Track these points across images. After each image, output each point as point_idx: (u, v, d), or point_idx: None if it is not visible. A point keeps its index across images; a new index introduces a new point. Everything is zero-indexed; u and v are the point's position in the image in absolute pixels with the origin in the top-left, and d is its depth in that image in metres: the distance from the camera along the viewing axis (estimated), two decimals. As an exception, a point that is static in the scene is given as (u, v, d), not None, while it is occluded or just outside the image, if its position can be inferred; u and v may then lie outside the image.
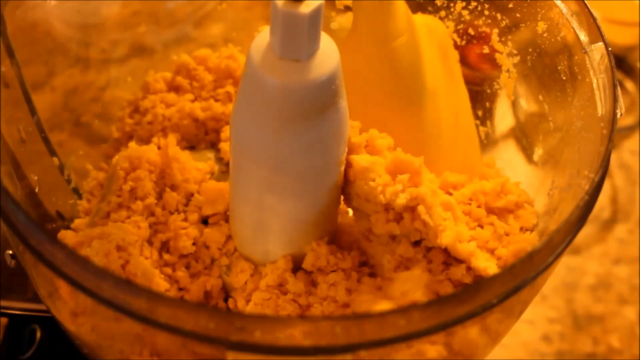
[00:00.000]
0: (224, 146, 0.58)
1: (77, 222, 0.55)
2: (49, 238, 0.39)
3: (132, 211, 0.53)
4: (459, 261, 0.48)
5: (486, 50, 0.57)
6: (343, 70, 0.44)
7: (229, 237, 0.53)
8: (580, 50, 0.49)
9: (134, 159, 0.54)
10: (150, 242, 0.53)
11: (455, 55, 0.57)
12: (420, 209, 0.46)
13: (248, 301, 0.50)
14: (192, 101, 0.61)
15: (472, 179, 0.54)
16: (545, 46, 0.53)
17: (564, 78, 0.51)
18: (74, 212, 0.57)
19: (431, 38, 0.54)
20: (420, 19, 0.55)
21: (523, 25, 0.54)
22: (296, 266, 0.50)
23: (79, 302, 0.43)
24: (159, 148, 0.56)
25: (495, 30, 0.56)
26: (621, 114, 0.46)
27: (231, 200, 0.52)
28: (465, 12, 0.57)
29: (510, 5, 0.55)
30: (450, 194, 0.52)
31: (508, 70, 0.56)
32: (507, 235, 0.51)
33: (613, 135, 0.44)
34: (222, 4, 0.66)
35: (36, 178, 0.53)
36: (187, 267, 0.53)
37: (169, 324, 0.37)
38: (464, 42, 0.59)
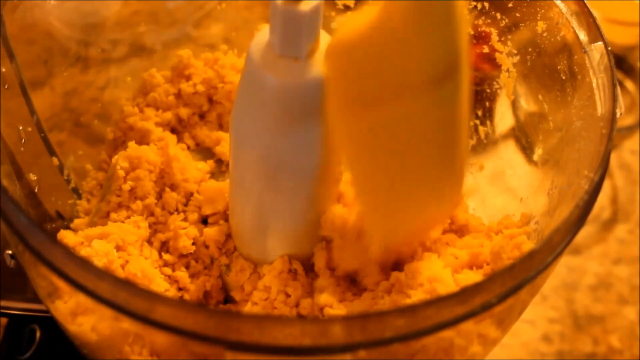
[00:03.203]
0: (224, 145, 0.58)
1: (76, 222, 0.55)
2: (48, 238, 0.39)
3: (131, 211, 0.53)
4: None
5: (486, 49, 0.57)
6: None
7: (229, 237, 0.53)
8: (580, 50, 0.49)
9: (134, 158, 0.54)
10: (150, 242, 0.53)
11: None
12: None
13: (247, 301, 0.50)
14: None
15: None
16: (545, 46, 0.53)
17: (564, 78, 0.51)
18: (74, 212, 0.57)
19: None
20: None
21: (523, 24, 0.54)
22: (295, 266, 0.50)
23: (78, 302, 0.43)
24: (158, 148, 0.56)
25: (495, 30, 0.56)
26: (621, 114, 0.45)
27: (231, 199, 0.52)
28: (464, 12, 0.57)
29: (510, 5, 0.55)
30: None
31: (508, 70, 0.56)
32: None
33: (613, 134, 0.44)
34: (222, 4, 0.65)
35: (35, 178, 0.53)
36: (187, 266, 0.53)
37: (168, 324, 0.37)
38: (463, 42, 0.59)
